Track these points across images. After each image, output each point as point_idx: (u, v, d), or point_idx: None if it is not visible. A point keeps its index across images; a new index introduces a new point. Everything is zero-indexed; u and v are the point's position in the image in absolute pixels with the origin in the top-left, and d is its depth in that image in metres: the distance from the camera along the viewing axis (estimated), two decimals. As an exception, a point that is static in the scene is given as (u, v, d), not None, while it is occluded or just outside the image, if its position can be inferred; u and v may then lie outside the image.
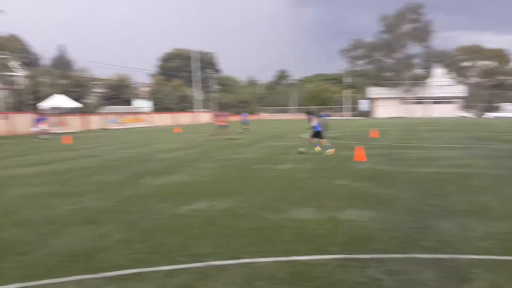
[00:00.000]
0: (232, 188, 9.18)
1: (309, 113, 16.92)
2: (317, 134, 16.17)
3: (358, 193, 8.43)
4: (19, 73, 52.94)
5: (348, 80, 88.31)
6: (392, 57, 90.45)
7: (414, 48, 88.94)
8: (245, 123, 32.83)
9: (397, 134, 27.19)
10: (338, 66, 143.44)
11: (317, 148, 16.02)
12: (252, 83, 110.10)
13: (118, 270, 4.51)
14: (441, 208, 7.10)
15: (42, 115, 31.32)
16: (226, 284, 4.14)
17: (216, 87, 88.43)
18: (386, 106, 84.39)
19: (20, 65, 55.69)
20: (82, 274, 4.41)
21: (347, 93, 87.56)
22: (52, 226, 6.29)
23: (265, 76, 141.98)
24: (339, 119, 69.34)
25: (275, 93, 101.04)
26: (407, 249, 5.08)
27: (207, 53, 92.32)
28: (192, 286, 4.12)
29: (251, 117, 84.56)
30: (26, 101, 41.44)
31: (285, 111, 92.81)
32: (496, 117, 68.60)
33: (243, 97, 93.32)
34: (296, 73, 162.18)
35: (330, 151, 15.30)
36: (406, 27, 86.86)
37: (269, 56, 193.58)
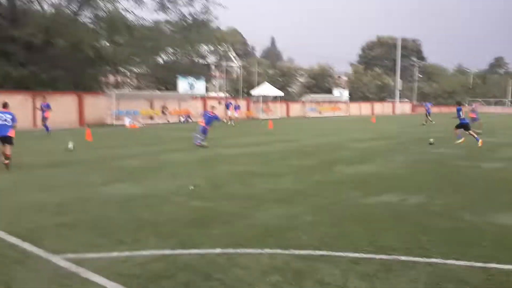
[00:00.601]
0: (427, 183, 8.71)
1: (459, 104, 17.10)
2: (462, 126, 16.16)
3: None
4: (235, 63, 59.46)
5: None
6: None
7: None
8: (429, 113, 31.34)
9: None
10: None
11: (461, 140, 15.75)
12: (461, 71, 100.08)
13: (306, 249, 4.83)
14: None
15: (231, 102, 34.10)
16: (411, 281, 4.04)
17: (419, 76, 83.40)
18: None
19: (236, 55, 62.45)
20: (274, 248, 4.88)
21: None
22: (252, 202, 7.06)
23: (477, 65, 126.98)
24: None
25: (488, 84, 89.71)
26: None
27: (411, 40, 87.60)
28: (376, 276, 4.14)
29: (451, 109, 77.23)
30: (240, 89, 46.38)
31: (500, 104, 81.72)
32: None
33: (449, 86, 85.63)
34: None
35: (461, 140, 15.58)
36: None
37: (483, 42, 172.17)
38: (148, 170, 10.15)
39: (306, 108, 48.22)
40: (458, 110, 16.34)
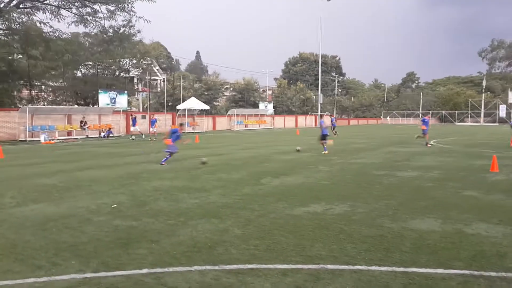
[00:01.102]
0: (349, 192, 9.05)
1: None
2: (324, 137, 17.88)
3: (489, 206, 7.70)
4: (159, 77, 58.37)
5: (485, 83, 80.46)
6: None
7: None
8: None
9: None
10: (474, 68, 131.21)
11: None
12: (376, 86, 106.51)
13: (236, 264, 4.76)
14: None
15: (135, 117, 33.31)
16: (338, 289, 4.12)
17: (338, 90, 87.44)
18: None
19: (160, 69, 61.39)
20: (204, 264, 4.76)
21: (483, 97, 79.87)
22: (179, 218, 6.87)
23: (391, 79, 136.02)
24: (472, 126, 63.55)
25: (401, 97, 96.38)
26: (547, 272, 4.51)
27: (332, 57, 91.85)
28: (305, 287, 4.18)
29: (372, 121, 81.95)
30: (164, 102, 45.58)
31: (412, 116, 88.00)
32: None
33: (366, 100, 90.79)
34: (426, 76, 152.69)
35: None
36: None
37: (397, 59, 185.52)
38: (66, 189, 9.55)
39: (232, 121, 48.50)
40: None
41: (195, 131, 38.66)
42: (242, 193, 9.03)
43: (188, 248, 5.33)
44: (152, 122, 31.02)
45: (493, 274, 4.45)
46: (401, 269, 4.61)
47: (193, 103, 42.00)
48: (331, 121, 34.53)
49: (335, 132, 32.95)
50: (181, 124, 16.38)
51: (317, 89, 69.41)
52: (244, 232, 6.03)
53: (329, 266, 4.68)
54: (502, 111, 77.58)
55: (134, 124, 31.89)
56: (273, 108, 60.36)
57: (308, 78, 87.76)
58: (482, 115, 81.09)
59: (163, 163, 13.93)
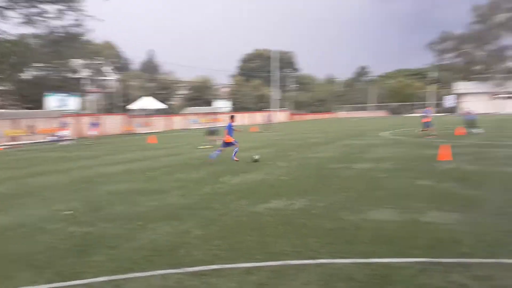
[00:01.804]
0: (309, 187, 9.15)
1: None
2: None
3: (442, 194, 8.00)
4: (111, 77, 56.81)
5: (434, 75, 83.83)
6: (483, 50, 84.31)
7: (508, 39, 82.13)
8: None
9: (486, 131, 25.35)
10: (423, 60, 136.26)
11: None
12: (330, 80, 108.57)
13: (199, 265, 4.69)
14: (538, 211, 6.52)
15: (94, 121, 32.30)
16: (303, 284, 4.14)
17: (294, 86, 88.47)
18: (474, 101, 78.80)
19: (112, 69, 59.75)
20: (166, 268, 4.65)
21: (431, 88, 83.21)
22: (138, 222, 6.69)
23: (344, 74, 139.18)
24: (417, 116, 66.05)
25: (354, 91, 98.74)
26: (496, 253, 4.74)
27: (286, 53, 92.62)
28: (270, 284, 4.17)
29: (327, 115, 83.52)
30: (117, 103, 44.46)
31: (364, 109, 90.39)
32: None
33: (320, 95, 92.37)
34: (378, 69, 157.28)
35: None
36: (501, 16, 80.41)
37: (350, 53, 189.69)
38: (16, 197, 9.09)
39: (188, 120, 47.98)
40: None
41: (151, 131, 37.95)
42: (202, 192, 8.92)
43: (149, 252, 5.19)
44: (93, 125, 30.12)
45: (449, 260, 4.61)
46: (363, 260, 4.69)
47: (147, 103, 41.21)
48: (268, 116, 35.59)
49: (268, 129, 33.65)
50: (232, 116, 15.25)
51: (274, 85, 69.92)
52: (206, 233, 5.95)
53: (293, 262, 4.69)
54: (449, 101, 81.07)
55: (93, 127, 30.80)
56: (231, 105, 60.25)
57: (264, 75, 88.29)
58: (431, 105, 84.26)
59: (234, 158, 13.88)
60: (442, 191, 8.29)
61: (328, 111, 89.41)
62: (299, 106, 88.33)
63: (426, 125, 22.96)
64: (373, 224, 6.10)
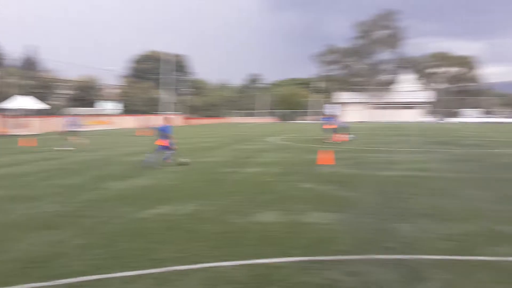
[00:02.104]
0: (198, 191, 9.11)
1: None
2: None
3: (323, 196, 8.51)
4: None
5: (319, 84, 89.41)
6: (363, 63, 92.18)
7: (384, 54, 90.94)
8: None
9: (364, 138, 27.69)
10: (312, 70, 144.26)
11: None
12: (223, 86, 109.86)
13: (78, 276, 4.38)
14: (403, 210, 7.26)
15: None
16: (186, 289, 4.09)
17: (187, 90, 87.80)
18: (354, 110, 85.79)
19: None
20: (41, 280, 4.27)
21: (316, 97, 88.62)
22: (8, 232, 6.06)
23: (237, 80, 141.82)
24: (308, 123, 69.96)
25: (246, 97, 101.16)
26: (368, 250, 5.16)
27: (180, 56, 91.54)
28: (152, 291, 4.05)
29: (220, 120, 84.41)
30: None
31: (255, 115, 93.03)
32: (459, 122, 70.77)
33: (214, 100, 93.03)
34: (270, 77, 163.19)
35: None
36: (379, 33, 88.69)
37: (244, 60, 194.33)
38: None
39: (68, 121, 44.91)
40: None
41: (28, 133, 34.77)
42: (83, 199, 8.38)
43: (22, 264, 4.73)
44: None
45: (326, 258, 4.90)
46: (247, 261, 4.78)
47: (25, 102, 37.75)
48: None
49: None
50: (167, 118, 14.68)
51: (166, 88, 68.67)
52: (86, 242, 5.59)
53: (178, 267, 4.62)
54: (330, 110, 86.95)
55: None
56: (122, 107, 57.77)
57: (157, 77, 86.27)
58: (314, 113, 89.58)
59: (166, 161, 13.41)
60: (323, 193, 8.82)
61: (221, 116, 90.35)
62: (194, 110, 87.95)
63: (333, 131, 24.41)
64: (259, 227, 6.26)
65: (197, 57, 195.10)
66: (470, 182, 10.11)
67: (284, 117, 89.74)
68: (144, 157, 14.06)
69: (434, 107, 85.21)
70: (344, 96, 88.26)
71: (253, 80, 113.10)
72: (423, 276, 4.39)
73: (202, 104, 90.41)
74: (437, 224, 6.38)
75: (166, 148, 13.62)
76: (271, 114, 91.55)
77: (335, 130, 24.53)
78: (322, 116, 31.49)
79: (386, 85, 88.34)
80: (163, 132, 13.65)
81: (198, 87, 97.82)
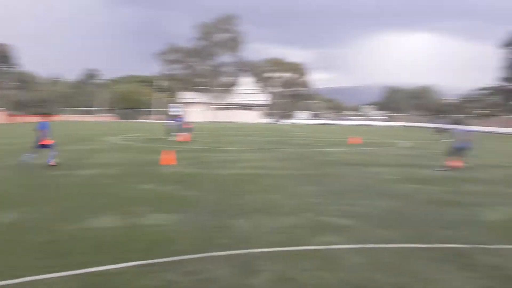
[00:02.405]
0: (21, 198, 8.16)
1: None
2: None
3: (163, 197, 8.43)
4: None
5: (162, 83, 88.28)
6: (205, 64, 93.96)
7: (225, 57, 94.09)
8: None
9: (205, 138, 28.29)
10: (154, 68, 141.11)
11: None
12: (55, 80, 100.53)
13: None
14: (239, 207, 7.62)
15: None
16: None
17: (11, 83, 78.05)
18: (197, 110, 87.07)
19: None
20: None
21: (159, 96, 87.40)
22: None
23: (72, 75, 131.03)
24: (147, 122, 68.58)
25: (82, 93, 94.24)
26: (205, 248, 5.27)
27: (3, 45, 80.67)
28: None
29: (52, 118, 77.06)
30: None
31: (93, 112, 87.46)
32: (293, 124, 77.38)
33: (44, 95, 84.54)
34: (109, 73, 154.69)
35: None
36: (219, 36, 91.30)
37: (80, 55, 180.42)
38: None
39: None
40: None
41: None
42: None
43: None
44: None
45: (164, 260, 4.85)
46: (78, 271, 4.45)
47: None
48: None
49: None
50: (46, 113, 13.43)
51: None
52: None
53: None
54: (174, 109, 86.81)
55: None
56: None
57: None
58: (157, 112, 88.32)
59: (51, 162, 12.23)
60: (163, 194, 8.73)
61: (53, 113, 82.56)
62: (20, 107, 78.53)
63: (186, 130, 24.45)
64: (93, 233, 5.88)
65: (27, 47, 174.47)
66: (301, 178, 11.14)
67: (125, 116, 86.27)
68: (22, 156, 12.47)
69: (271, 109, 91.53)
70: (188, 96, 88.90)
71: (90, 75, 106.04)
72: (255, 268, 4.66)
73: (30, 100, 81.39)
74: (270, 218, 6.85)
75: (46, 146, 12.45)
76: (111, 112, 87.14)
77: (179, 130, 24.61)
78: (166, 116, 31.94)
79: (228, 87, 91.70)
80: (43, 129, 12.47)
81: (25, 80, 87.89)
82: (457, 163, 13.39)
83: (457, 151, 13.58)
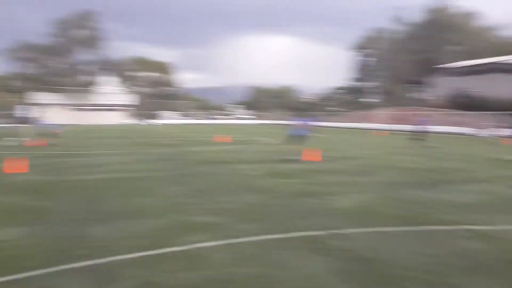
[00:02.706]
0: None
1: None
2: None
3: (11, 209, 7.58)
4: None
5: (11, 83, 79.27)
6: (62, 62, 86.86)
7: (86, 55, 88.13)
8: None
9: (65, 141, 26.20)
10: (2, 67, 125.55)
11: None
12: None
13: None
14: (100, 214, 7.21)
15: None
16: None
17: None
18: (54, 112, 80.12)
19: None
20: None
21: (7, 97, 78.43)
22: None
23: None
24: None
25: None
26: (61, 261, 4.88)
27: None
28: None
29: None
30: None
31: None
32: (160, 124, 75.80)
33: None
34: None
35: None
36: (78, 33, 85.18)
37: None
38: None
39: None
40: None
41: None
42: None
43: None
44: None
45: (15, 277, 4.37)
46: None
47: None
48: None
49: None
50: None
51: None
52: None
53: None
54: (22, 112, 78.61)
55: None
56: None
57: None
58: (2, 116, 79.15)
59: None
60: (11, 206, 7.84)
61: None
62: None
63: (47, 134, 22.42)
64: None
65: None
66: (167, 179, 10.96)
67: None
68: None
69: (137, 110, 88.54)
70: (42, 97, 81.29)
71: None
72: (116, 277, 4.46)
73: None
74: (133, 223, 6.62)
75: None
76: None
77: (35, 134, 22.57)
78: (16, 117, 28.94)
79: (87, 86, 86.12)
80: None
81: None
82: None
83: (295, 138, 15.74)
